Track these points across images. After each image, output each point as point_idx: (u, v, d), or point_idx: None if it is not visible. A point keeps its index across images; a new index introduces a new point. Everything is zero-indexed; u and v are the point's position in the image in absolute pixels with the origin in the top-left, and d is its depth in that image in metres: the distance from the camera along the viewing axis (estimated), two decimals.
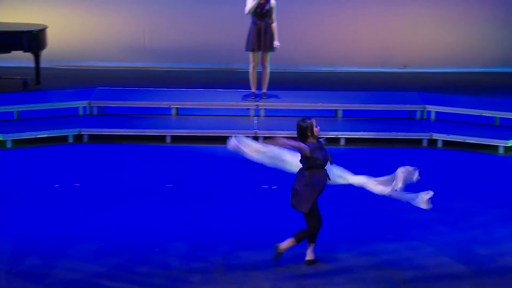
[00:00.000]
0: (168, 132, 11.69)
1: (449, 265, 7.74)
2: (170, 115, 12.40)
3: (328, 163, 7.71)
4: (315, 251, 7.81)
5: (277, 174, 10.24)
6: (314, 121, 7.76)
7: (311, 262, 7.76)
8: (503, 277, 7.52)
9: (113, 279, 7.47)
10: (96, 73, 15.51)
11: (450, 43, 15.89)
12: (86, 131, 11.69)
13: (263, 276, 7.51)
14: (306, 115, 12.34)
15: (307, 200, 7.63)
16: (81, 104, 12.39)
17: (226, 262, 7.81)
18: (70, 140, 11.59)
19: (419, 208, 8.92)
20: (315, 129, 7.71)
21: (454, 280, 7.45)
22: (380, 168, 10.46)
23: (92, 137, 11.67)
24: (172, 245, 8.17)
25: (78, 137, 11.65)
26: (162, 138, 11.66)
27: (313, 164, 7.61)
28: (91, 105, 12.42)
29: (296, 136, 7.80)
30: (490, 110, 12.09)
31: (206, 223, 8.72)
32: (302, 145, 7.63)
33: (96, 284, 7.37)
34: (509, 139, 11.25)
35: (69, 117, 12.24)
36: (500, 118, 12.10)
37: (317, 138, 7.77)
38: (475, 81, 15.25)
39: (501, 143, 11.24)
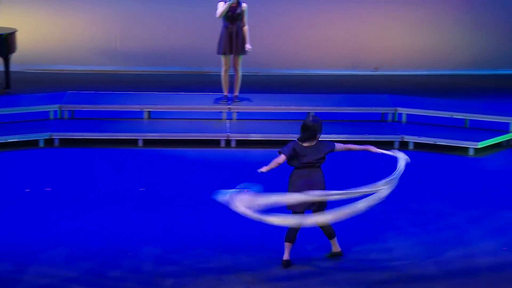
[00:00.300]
0: (140, 136, 11.65)
1: (421, 267, 7.78)
2: (142, 118, 12.36)
3: None
4: (291, 253, 7.85)
5: (249, 178, 10.24)
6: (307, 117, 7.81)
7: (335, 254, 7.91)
8: (474, 278, 7.58)
9: (85, 283, 7.42)
10: (67, 76, 15.42)
11: (420, 45, 16.00)
12: (57, 135, 11.61)
13: (236, 280, 7.50)
14: (279, 118, 12.47)
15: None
16: (52, 108, 12.31)
17: (198, 266, 7.79)
18: (41, 144, 11.51)
19: (391, 210, 8.98)
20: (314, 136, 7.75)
21: (426, 281, 7.50)
22: (352, 170, 10.52)
23: (63, 141, 11.60)
24: (144, 249, 8.14)
25: (49, 141, 11.57)
26: (134, 141, 11.62)
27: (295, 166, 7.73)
28: (62, 109, 12.34)
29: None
30: (461, 112, 12.19)
31: (179, 227, 8.70)
32: (276, 160, 7.78)
33: None
34: (479, 141, 11.35)
35: (39, 121, 12.15)
36: (470, 120, 12.20)
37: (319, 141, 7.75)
38: (446, 84, 15.37)
39: (471, 145, 11.33)
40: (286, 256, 7.82)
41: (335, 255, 7.95)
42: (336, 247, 7.96)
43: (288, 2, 15.95)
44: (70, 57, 15.78)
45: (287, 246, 7.82)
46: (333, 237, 7.94)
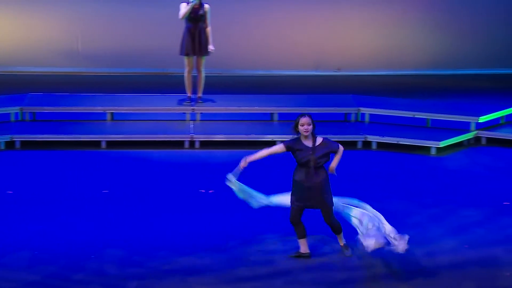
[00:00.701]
0: (103, 138, 11.58)
1: (384, 266, 7.83)
2: (105, 120, 12.29)
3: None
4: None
5: (213, 179, 10.24)
6: (304, 119, 7.78)
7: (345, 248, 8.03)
8: (437, 275, 7.66)
9: (48, 287, 7.36)
10: (28, 78, 15.28)
11: (382, 46, 16.13)
12: (18, 138, 11.50)
13: (201, 282, 7.49)
14: (242, 118, 12.48)
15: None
16: (12, 110, 12.19)
17: (163, 268, 7.76)
18: (2, 147, 11.39)
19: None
20: (300, 127, 7.78)
21: (389, 280, 7.55)
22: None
23: (24, 143, 11.49)
24: (108, 251, 8.09)
25: (10, 144, 11.45)
26: (97, 143, 11.55)
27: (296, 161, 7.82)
28: (23, 111, 12.23)
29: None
30: (423, 112, 12.31)
31: (143, 229, 8.66)
32: (274, 148, 7.93)
33: None
34: (441, 140, 11.47)
35: (0, 124, 12.02)
36: (432, 119, 12.32)
37: (315, 140, 7.80)
38: (408, 84, 15.51)
39: (433, 144, 11.44)
40: (305, 249, 7.91)
41: (344, 250, 8.03)
42: (342, 240, 8.07)
43: (250, 4, 15.98)
44: (31, 59, 15.64)
45: (303, 242, 7.92)
46: (340, 232, 8.04)
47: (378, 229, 7.77)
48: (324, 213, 7.92)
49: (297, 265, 7.83)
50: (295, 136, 7.88)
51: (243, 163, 7.95)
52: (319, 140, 7.88)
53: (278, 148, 7.94)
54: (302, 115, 7.88)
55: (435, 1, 16.18)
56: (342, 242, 8.09)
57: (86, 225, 8.75)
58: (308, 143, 7.83)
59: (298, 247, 8.04)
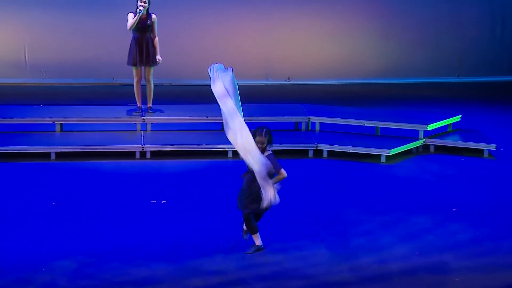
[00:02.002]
0: (53, 149, 11.45)
1: (336, 274, 7.87)
2: (54, 131, 12.16)
3: None
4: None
5: (165, 189, 10.20)
6: (259, 138, 8.06)
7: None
8: (388, 282, 7.72)
9: None
10: None
11: (332, 55, 16.26)
12: None
13: None
14: (193, 128, 12.45)
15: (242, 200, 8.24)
16: None
17: (115, 279, 7.70)
18: None
19: (306, 218, 9.07)
20: (257, 138, 8.06)
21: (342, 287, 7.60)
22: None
23: None
24: (59, 263, 7.99)
25: None
26: (46, 155, 11.41)
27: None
28: None
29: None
30: (372, 120, 12.42)
31: (94, 241, 8.58)
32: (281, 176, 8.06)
33: None
34: (390, 148, 11.59)
35: None
36: (381, 128, 12.45)
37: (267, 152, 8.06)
38: (357, 92, 15.65)
39: (383, 152, 11.56)
40: (259, 242, 8.22)
41: (258, 250, 8.20)
42: (258, 241, 8.24)
43: (199, 13, 15.98)
44: None
45: (257, 236, 8.23)
46: (256, 231, 8.23)
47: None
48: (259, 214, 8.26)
49: (249, 274, 7.82)
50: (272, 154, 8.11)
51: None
52: (266, 153, 8.03)
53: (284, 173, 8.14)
54: (259, 131, 8.12)
55: (382, 11, 16.37)
56: (259, 242, 8.30)
57: (36, 237, 8.63)
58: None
59: (250, 256, 8.05)
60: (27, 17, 15.53)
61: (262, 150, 8.03)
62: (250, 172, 8.09)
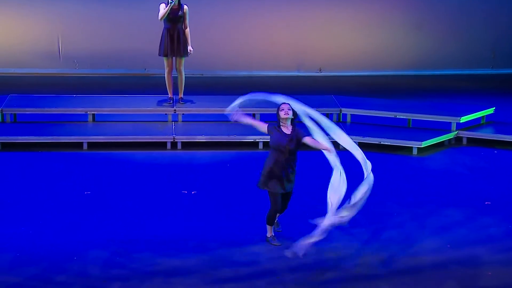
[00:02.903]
0: (85, 139, 11.53)
1: (367, 266, 7.86)
2: (87, 121, 12.24)
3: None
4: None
5: (196, 180, 10.24)
6: (284, 104, 8.17)
7: (268, 239, 8.25)
8: (420, 275, 7.69)
9: None
10: (8, 80, 15.19)
11: (364, 46, 16.17)
12: None
13: (183, 283, 7.48)
14: (224, 120, 12.46)
15: (260, 177, 8.11)
16: None
17: (145, 269, 7.75)
18: None
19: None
20: (280, 112, 8.13)
21: (373, 281, 7.58)
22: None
23: (5, 145, 11.42)
24: (91, 253, 8.06)
25: None
26: (79, 145, 11.50)
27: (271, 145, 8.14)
28: (4, 112, 12.15)
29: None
30: (404, 112, 12.35)
31: (126, 230, 8.64)
32: (261, 123, 8.29)
33: None
34: (422, 140, 11.51)
35: None
36: (413, 120, 12.37)
37: (295, 126, 8.15)
38: (389, 84, 15.56)
39: (415, 145, 11.49)
40: (270, 233, 8.25)
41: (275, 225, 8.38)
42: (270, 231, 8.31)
43: (231, 4, 15.98)
44: (12, 60, 15.55)
45: (270, 229, 8.28)
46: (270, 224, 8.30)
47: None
48: (286, 200, 8.18)
49: (280, 265, 7.83)
50: (277, 122, 8.22)
51: (234, 117, 8.39)
52: (295, 128, 8.17)
53: (262, 125, 8.33)
54: (281, 106, 8.22)
55: (415, 1, 16.25)
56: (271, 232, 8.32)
57: (68, 226, 8.71)
58: (287, 130, 8.10)
59: (281, 247, 8.07)
60: (61, 8, 15.64)
61: (290, 121, 8.09)
62: (278, 151, 8.06)
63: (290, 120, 8.14)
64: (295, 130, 8.13)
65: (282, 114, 8.13)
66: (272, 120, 8.50)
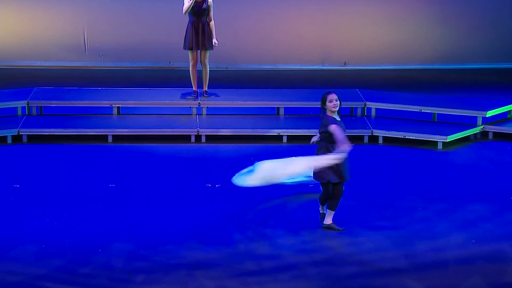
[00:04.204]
0: (110, 132, 11.58)
1: (391, 260, 7.83)
2: (112, 114, 12.30)
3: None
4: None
5: (220, 173, 10.25)
6: (332, 96, 8.22)
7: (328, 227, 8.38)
8: (444, 270, 7.65)
9: (55, 281, 7.37)
10: (35, 72, 15.30)
11: (389, 40, 16.10)
12: (25, 132, 11.51)
13: (207, 276, 7.50)
14: (248, 113, 12.47)
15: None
16: (19, 104, 12.20)
17: (169, 262, 7.77)
18: (9, 140, 11.40)
19: (361, 204, 9.03)
20: (329, 104, 8.19)
21: (397, 275, 7.55)
22: None
23: (31, 137, 11.50)
24: (115, 245, 8.10)
25: (17, 138, 11.46)
26: (103, 137, 11.55)
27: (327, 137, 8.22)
28: (30, 105, 12.24)
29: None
30: (429, 106, 12.28)
31: (149, 223, 8.67)
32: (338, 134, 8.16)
33: (38, 287, 7.27)
34: (447, 134, 11.44)
35: (7, 118, 12.04)
36: (439, 114, 12.30)
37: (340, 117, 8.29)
38: (414, 78, 15.48)
39: (440, 139, 11.42)
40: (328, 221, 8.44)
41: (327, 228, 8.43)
42: (328, 219, 8.41)
43: None
44: (38, 53, 15.66)
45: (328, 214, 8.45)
46: (333, 209, 8.41)
47: None
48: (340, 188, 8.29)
49: (304, 259, 7.82)
50: (324, 115, 8.28)
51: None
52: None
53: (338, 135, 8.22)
54: (328, 92, 8.28)
55: None
56: (324, 210, 8.47)
57: (93, 219, 8.76)
58: (337, 116, 8.31)
59: (305, 241, 8.06)
60: (87, 1, 15.71)
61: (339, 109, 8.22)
62: (322, 140, 8.20)
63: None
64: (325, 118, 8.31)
65: (331, 106, 8.21)
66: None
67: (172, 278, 7.44)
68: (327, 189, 8.36)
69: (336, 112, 8.29)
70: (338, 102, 8.23)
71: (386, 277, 7.52)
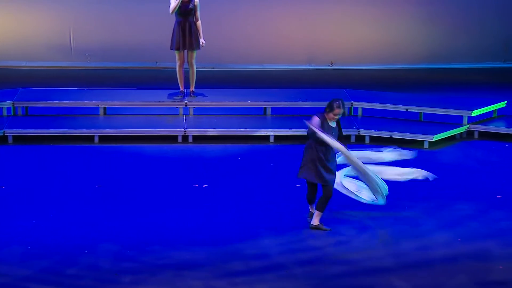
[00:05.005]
0: (96, 132, 11.56)
1: (378, 259, 7.84)
2: (98, 115, 12.27)
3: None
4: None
5: (207, 173, 10.24)
6: (338, 110, 8.27)
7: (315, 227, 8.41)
8: (430, 269, 7.67)
9: (42, 282, 7.35)
10: (20, 73, 15.24)
11: (375, 40, 16.13)
12: (10, 132, 11.46)
13: (194, 276, 7.49)
14: (235, 113, 12.47)
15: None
16: (5, 105, 12.15)
17: (156, 262, 7.76)
18: None
19: (347, 203, 9.04)
20: (335, 110, 8.26)
21: (383, 274, 7.56)
22: None
23: (17, 138, 11.46)
24: (101, 246, 8.08)
25: (2, 139, 11.42)
26: (90, 138, 11.52)
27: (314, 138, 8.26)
28: (16, 105, 12.19)
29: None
30: (415, 106, 12.32)
31: (136, 224, 8.66)
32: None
33: None
34: (433, 134, 11.48)
35: None
36: (425, 113, 12.34)
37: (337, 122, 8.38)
38: (400, 78, 15.52)
39: (426, 138, 11.46)
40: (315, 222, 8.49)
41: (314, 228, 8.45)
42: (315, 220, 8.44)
43: None
44: (23, 53, 15.60)
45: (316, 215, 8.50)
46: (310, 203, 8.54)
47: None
48: (327, 190, 8.37)
49: (290, 259, 7.83)
50: (323, 115, 8.35)
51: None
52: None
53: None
54: (338, 104, 8.29)
55: None
56: (317, 221, 8.45)
57: (80, 220, 8.74)
58: (332, 123, 8.35)
59: (291, 241, 8.07)
60: (73, 1, 15.66)
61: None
62: (311, 138, 8.27)
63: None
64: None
65: (332, 116, 8.32)
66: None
67: (159, 279, 7.43)
68: (310, 188, 8.43)
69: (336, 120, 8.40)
70: (340, 114, 8.33)
71: (372, 276, 7.54)
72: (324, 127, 8.27)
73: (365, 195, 8.70)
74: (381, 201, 8.62)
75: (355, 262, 7.80)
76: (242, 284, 7.36)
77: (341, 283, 7.39)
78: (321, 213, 8.39)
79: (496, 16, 16.27)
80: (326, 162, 8.27)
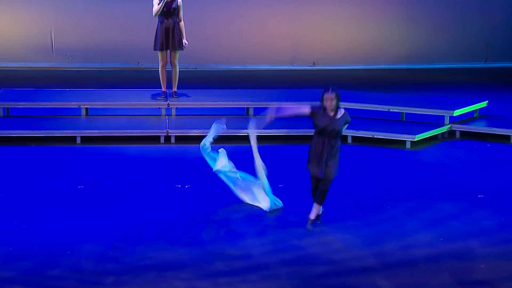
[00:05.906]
0: (78, 133, 11.52)
1: (360, 259, 7.86)
2: (80, 115, 12.23)
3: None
4: None
5: (189, 173, 10.24)
6: (327, 95, 8.13)
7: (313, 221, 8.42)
8: (413, 268, 7.70)
9: (24, 283, 7.31)
10: (1, 73, 15.16)
11: (357, 40, 16.19)
12: None
13: (177, 276, 7.48)
14: (218, 113, 12.46)
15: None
16: None
17: (139, 263, 7.74)
18: None
19: (330, 203, 9.06)
20: (324, 102, 8.14)
21: (367, 273, 7.58)
22: (291, 164, 10.59)
23: None
24: (84, 247, 8.05)
25: None
26: (72, 139, 11.48)
27: (314, 128, 8.19)
28: None
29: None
30: (397, 106, 12.37)
31: (119, 224, 8.63)
32: (302, 108, 8.28)
33: None
34: (415, 134, 11.53)
35: None
36: (407, 113, 12.39)
37: (336, 113, 8.23)
38: (382, 78, 15.57)
39: (408, 138, 11.50)
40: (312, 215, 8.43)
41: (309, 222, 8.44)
42: (313, 214, 8.40)
43: None
44: (4, 54, 15.53)
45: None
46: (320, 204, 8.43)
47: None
48: (322, 183, 8.26)
49: (274, 259, 7.83)
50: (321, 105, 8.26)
51: (270, 117, 8.35)
52: (341, 112, 8.25)
53: (304, 109, 8.32)
54: (326, 90, 8.20)
55: None
56: (313, 215, 8.39)
57: (62, 221, 8.70)
58: (331, 113, 8.23)
59: (274, 241, 8.07)
60: (54, 1, 15.60)
61: (334, 109, 8.17)
62: (317, 133, 8.21)
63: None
64: (342, 114, 8.32)
65: (327, 106, 8.20)
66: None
67: (142, 280, 7.41)
68: (313, 181, 8.44)
69: (333, 110, 8.25)
70: (334, 101, 8.16)
71: (356, 276, 7.56)
72: (320, 116, 8.19)
73: (263, 205, 8.86)
74: (265, 206, 8.82)
75: (338, 261, 7.81)
76: (226, 284, 7.35)
77: (325, 283, 7.40)
78: (319, 207, 8.38)
79: (477, 16, 16.37)
80: (326, 156, 8.20)
